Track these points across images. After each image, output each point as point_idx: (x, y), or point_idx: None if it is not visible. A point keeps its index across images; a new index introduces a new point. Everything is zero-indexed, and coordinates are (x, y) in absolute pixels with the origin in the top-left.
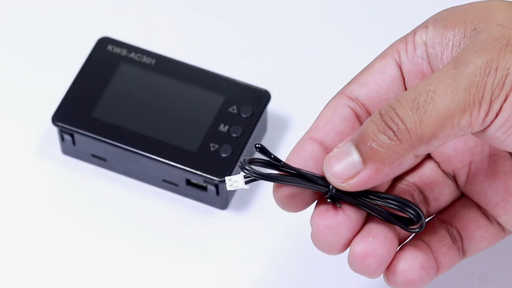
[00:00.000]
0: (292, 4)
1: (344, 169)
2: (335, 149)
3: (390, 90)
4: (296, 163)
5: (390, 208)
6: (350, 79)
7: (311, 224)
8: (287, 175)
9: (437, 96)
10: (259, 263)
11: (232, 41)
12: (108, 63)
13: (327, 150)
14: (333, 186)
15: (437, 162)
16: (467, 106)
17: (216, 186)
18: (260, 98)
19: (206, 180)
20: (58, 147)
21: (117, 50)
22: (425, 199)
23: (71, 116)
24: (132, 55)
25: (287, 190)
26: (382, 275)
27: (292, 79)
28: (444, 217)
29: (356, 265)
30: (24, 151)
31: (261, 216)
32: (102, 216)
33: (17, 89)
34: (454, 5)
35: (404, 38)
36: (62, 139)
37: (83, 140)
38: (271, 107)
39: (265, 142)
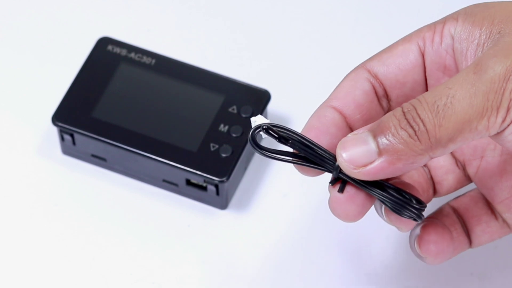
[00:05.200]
0: (292, 4)
1: (359, 156)
2: (350, 135)
3: (409, 76)
4: (317, 128)
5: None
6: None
7: (329, 191)
8: (293, 156)
9: (456, 101)
10: (259, 263)
11: (232, 41)
12: (108, 63)
13: (346, 120)
14: (338, 166)
15: None
16: (485, 112)
17: (216, 186)
18: (260, 98)
19: (206, 180)
20: (58, 147)
21: (117, 50)
22: (432, 179)
23: (71, 116)
24: (132, 55)
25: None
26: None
27: (292, 79)
28: (454, 206)
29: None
30: (24, 151)
31: (261, 216)
32: (102, 216)
33: (17, 89)
34: (453, 5)
35: (433, 26)
36: (62, 139)
37: (83, 140)
38: (271, 107)
39: (265, 142)
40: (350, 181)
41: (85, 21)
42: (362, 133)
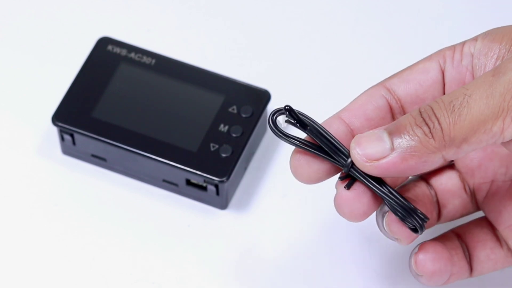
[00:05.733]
0: (292, 4)
1: (373, 150)
2: (366, 132)
3: (429, 92)
4: None
5: (396, 204)
6: (348, 80)
7: (336, 187)
8: (308, 144)
9: (472, 100)
10: (258, 263)
11: (232, 41)
12: (108, 63)
13: (352, 132)
14: (350, 162)
15: (459, 172)
16: (500, 112)
17: (216, 186)
18: (260, 98)
19: (206, 180)
20: (58, 147)
21: (117, 50)
22: (438, 202)
23: (71, 116)
24: (132, 55)
25: (304, 158)
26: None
27: (292, 79)
28: (458, 232)
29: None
30: (24, 151)
31: (261, 216)
32: (102, 216)
33: (17, 89)
34: (453, 6)
35: (453, 47)
36: (62, 139)
37: (83, 140)
38: (271, 107)
39: (265, 142)
40: (360, 179)
41: (85, 21)
42: (378, 130)
